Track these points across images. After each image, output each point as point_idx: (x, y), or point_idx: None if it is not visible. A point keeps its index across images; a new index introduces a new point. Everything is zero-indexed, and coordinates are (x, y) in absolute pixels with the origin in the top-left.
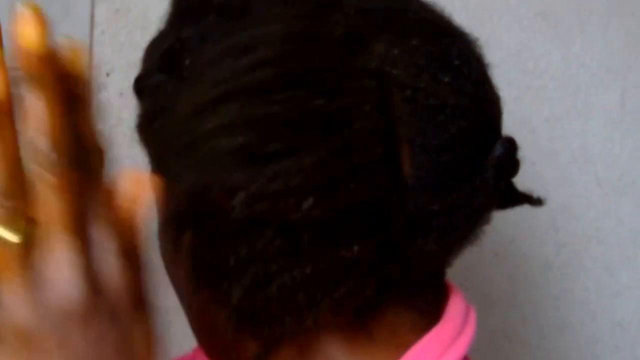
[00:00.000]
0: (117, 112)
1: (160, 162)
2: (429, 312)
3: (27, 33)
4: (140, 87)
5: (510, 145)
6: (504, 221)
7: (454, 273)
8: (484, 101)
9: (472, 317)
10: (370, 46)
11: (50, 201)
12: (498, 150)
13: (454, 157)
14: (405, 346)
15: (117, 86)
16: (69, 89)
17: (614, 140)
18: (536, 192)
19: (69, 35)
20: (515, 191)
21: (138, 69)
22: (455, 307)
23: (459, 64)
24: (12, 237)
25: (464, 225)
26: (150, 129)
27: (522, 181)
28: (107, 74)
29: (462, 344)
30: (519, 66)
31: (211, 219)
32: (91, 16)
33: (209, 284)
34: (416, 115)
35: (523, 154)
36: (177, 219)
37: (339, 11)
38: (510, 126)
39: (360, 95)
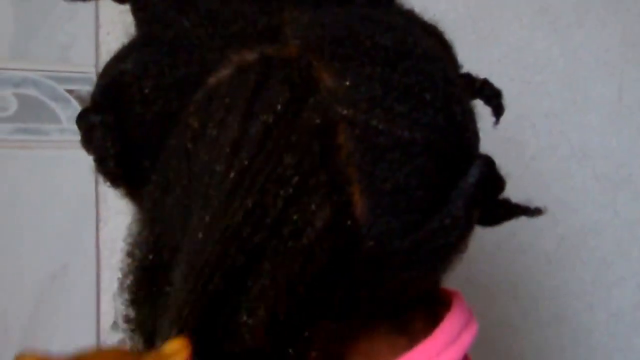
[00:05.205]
0: None
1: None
2: (418, 330)
3: None
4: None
5: (486, 167)
6: None
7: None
8: (450, 127)
9: (469, 333)
10: (317, 80)
11: None
12: (471, 176)
13: (411, 198)
14: None
15: None
16: None
17: (611, 134)
18: (536, 186)
19: (74, 36)
20: (509, 205)
21: None
22: (448, 324)
23: (419, 89)
24: None
25: (433, 260)
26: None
27: (522, 176)
28: None
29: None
30: (519, 62)
31: None
32: (96, 17)
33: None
34: (366, 156)
35: (523, 148)
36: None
37: (283, 40)
38: (510, 121)
39: (303, 147)
